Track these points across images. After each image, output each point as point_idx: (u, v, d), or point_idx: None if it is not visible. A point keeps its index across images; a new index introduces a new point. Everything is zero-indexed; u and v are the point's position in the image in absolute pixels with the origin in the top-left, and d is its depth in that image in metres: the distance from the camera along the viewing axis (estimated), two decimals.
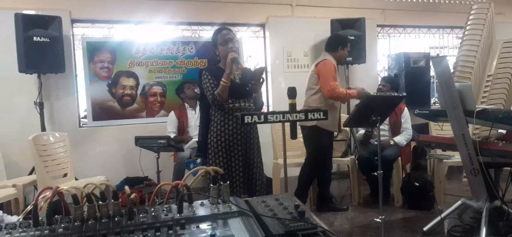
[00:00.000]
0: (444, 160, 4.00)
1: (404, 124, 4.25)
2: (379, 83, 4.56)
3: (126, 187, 1.17)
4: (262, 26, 5.73)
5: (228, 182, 1.20)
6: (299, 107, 2.81)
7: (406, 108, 4.29)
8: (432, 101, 5.91)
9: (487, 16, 5.06)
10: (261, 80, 2.76)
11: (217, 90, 2.73)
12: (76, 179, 3.97)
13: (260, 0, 5.61)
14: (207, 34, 5.35)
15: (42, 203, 1.14)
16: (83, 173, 4.17)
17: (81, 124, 4.93)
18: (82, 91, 4.88)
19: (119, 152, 4.81)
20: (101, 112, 4.86)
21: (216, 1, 5.39)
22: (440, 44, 6.79)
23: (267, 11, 5.58)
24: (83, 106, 4.95)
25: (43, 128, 4.37)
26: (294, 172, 3.98)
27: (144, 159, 4.11)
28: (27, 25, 4.13)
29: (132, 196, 1.09)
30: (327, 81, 3.67)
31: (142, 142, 3.60)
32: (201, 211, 1.04)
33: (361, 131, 4.39)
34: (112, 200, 1.08)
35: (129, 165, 4.56)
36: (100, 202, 1.05)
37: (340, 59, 3.96)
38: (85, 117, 4.95)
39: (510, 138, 3.11)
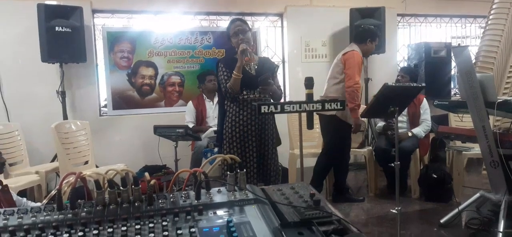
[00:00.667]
0: (463, 152, 3.94)
1: (423, 115, 4.19)
2: (398, 73, 4.50)
3: (146, 174, 1.20)
4: (280, 15, 5.70)
5: (244, 170, 1.22)
6: (316, 97, 2.81)
7: (425, 99, 4.22)
8: (452, 92, 5.80)
9: (511, 5, 4.91)
10: (268, 85, 2.75)
11: (229, 83, 2.74)
12: (97, 167, 4.07)
13: None
14: (224, 24, 5.34)
15: (66, 188, 1.18)
16: (103, 161, 4.27)
17: (101, 113, 5.03)
18: (102, 80, 4.97)
19: (138, 141, 4.90)
20: (120, 101, 4.94)
21: None
22: (462, 34, 6.63)
23: (286, 1, 5.54)
24: (104, 95, 5.04)
25: (65, 117, 4.47)
26: (310, 162, 3.98)
27: (163, 147, 4.18)
28: (49, 15, 4.21)
29: (152, 182, 1.12)
30: (354, 74, 3.63)
31: (160, 131, 3.66)
32: (218, 198, 1.07)
33: (380, 123, 4.34)
34: (132, 186, 1.11)
35: (148, 153, 4.63)
36: (121, 187, 1.09)
37: (367, 52, 3.95)
38: (105, 106, 5.05)
39: None
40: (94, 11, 4.98)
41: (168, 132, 3.60)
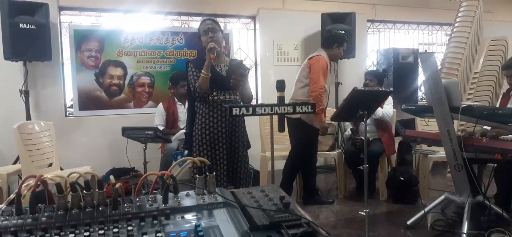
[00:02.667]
0: (429, 155, 4.06)
1: (386, 103, 4.22)
2: (365, 77, 4.56)
3: (111, 177, 1.16)
4: (253, 18, 5.71)
5: (214, 173, 1.20)
6: (287, 100, 2.82)
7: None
8: (419, 97, 5.97)
9: (475, 13, 5.10)
10: (242, 73, 2.74)
11: (198, 82, 2.71)
12: (62, 169, 3.93)
13: None
14: (197, 24, 5.27)
15: (26, 191, 1.12)
16: (68, 163, 4.12)
17: (67, 114, 4.87)
18: (68, 80, 4.81)
19: (105, 143, 4.77)
20: (87, 102, 4.80)
21: None
22: (429, 41, 6.86)
23: (258, 3, 5.56)
24: (70, 95, 4.88)
25: (29, 117, 4.31)
26: (282, 165, 4.01)
27: (131, 150, 4.08)
28: (13, 11, 4.05)
29: (117, 185, 1.08)
30: (318, 78, 3.68)
31: (129, 132, 3.57)
32: (187, 202, 1.05)
33: (348, 132, 4.41)
34: (97, 190, 1.07)
35: (116, 156, 4.52)
36: (84, 191, 1.05)
37: (335, 57, 3.99)
38: (71, 106, 4.89)
39: None
40: (61, 8, 4.83)
41: (137, 134, 3.52)
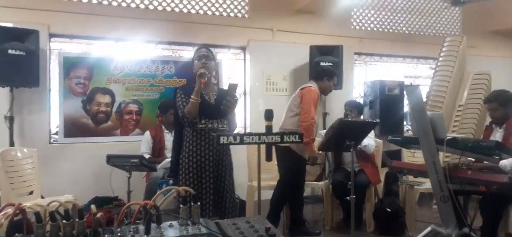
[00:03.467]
0: (416, 187, 4.08)
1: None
2: (345, 108, 4.57)
3: (93, 206, 1.14)
4: (243, 49, 5.78)
5: (198, 203, 1.19)
6: (275, 129, 2.83)
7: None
8: (405, 129, 6.04)
9: (459, 48, 5.26)
10: (235, 97, 2.77)
11: (187, 107, 2.73)
12: (43, 197, 3.84)
13: (242, 24, 5.68)
14: (188, 54, 5.35)
15: (3, 220, 1.09)
16: (50, 191, 4.02)
17: (51, 140, 4.80)
18: (55, 106, 4.76)
19: (89, 170, 4.69)
20: (73, 129, 4.74)
21: (198, 22, 5.42)
22: (414, 74, 7.00)
23: (248, 35, 5.65)
24: (56, 122, 4.82)
25: (12, 143, 4.24)
26: (269, 195, 3.97)
27: (116, 178, 4.00)
28: (4, 37, 4.06)
29: (98, 215, 1.06)
30: (309, 108, 3.72)
31: (114, 160, 3.53)
32: (170, 233, 1.03)
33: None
34: (77, 219, 1.05)
35: (100, 184, 4.43)
36: (64, 221, 1.02)
37: (325, 90, 4.05)
38: (56, 133, 4.82)
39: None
40: (52, 35, 4.83)
41: (122, 162, 3.48)
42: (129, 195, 3.49)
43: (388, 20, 6.65)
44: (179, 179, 2.80)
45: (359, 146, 4.05)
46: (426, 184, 3.97)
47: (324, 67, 4.28)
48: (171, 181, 3.04)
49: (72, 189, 4.13)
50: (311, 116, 3.71)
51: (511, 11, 6.95)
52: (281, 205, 3.99)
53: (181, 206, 1.17)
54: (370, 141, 4.17)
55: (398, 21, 6.71)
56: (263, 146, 2.65)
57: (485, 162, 3.18)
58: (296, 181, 3.91)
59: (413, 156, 4.08)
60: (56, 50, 4.88)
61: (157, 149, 4.38)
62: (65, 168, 4.65)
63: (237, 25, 5.64)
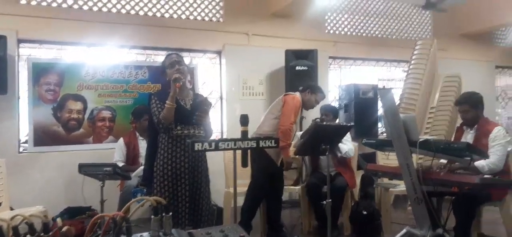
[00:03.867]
0: (390, 189, 4.13)
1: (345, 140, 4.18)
2: (321, 112, 4.55)
3: (59, 220, 1.09)
4: (219, 53, 5.75)
5: (170, 213, 1.16)
6: (251, 133, 2.82)
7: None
8: (379, 131, 6.13)
9: (430, 51, 5.38)
10: (205, 111, 2.76)
11: (162, 113, 2.69)
12: (12, 209, 3.70)
13: (217, 28, 5.65)
14: (162, 59, 5.25)
15: None
16: (20, 202, 3.88)
17: (20, 150, 4.63)
18: (24, 114, 4.60)
19: (61, 180, 4.55)
20: (43, 137, 4.59)
21: (172, 26, 5.36)
22: (388, 77, 7.13)
23: (224, 39, 5.62)
24: (25, 131, 4.65)
25: None
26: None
27: (89, 187, 3.88)
28: None
29: (64, 229, 1.02)
30: (290, 114, 3.74)
31: (86, 169, 3.42)
32: None
33: None
34: (43, 234, 1.00)
35: (71, 194, 4.31)
36: (28, 235, 0.98)
37: (307, 103, 4.04)
38: (25, 142, 4.65)
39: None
40: (20, 41, 4.67)
41: (94, 171, 3.38)
42: (102, 204, 3.39)
43: (362, 24, 6.76)
44: (154, 187, 2.74)
45: (339, 154, 4.07)
46: (400, 186, 4.03)
47: (310, 83, 4.30)
48: (146, 189, 2.98)
49: (42, 200, 4.01)
50: (290, 121, 3.72)
51: (479, 15, 7.20)
52: (254, 209, 3.92)
53: (153, 216, 1.13)
54: (349, 146, 4.20)
55: (371, 25, 6.84)
56: (239, 152, 2.63)
57: (457, 163, 3.25)
58: (268, 186, 3.86)
59: (387, 158, 4.15)
60: (25, 56, 4.72)
61: (131, 157, 4.29)
62: (35, 178, 4.50)
63: (212, 29, 5.61)
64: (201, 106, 2.76)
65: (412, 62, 5.50)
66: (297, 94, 3.99)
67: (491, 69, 7.86)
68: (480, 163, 3.20)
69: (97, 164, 3.49)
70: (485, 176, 2.93)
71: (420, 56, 5.43)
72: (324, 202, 2.97)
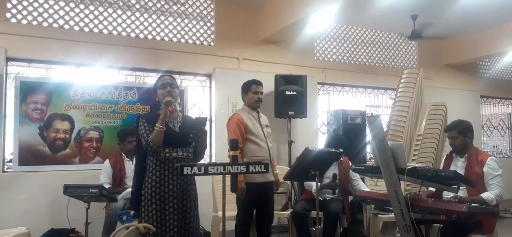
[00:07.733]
0: (379, 215, 4.14)
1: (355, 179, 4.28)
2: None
3: None
4: (209, 76, 5.77)
5: None
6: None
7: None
8: (367, 157, 6.17)
9: (416, 80, 5.48)
10: (204, 130, 2.73)
11: (151, 136, 2.65)
12: None
13: (208, 52, 5.69)
14: (152, 80, 5.26)
15: None
16: (3, 223, 3.78)
17: (5, 168, 4.53)
18: (9, 133, 4.52)
19: (45, 201, 4.44)
20: (29, 157, 4.50)
21: (163, 49, 5.38)
22: (375, 103, 7.24)
23: (214, 63, 5.66)
24: (10, 149, 4.56)
25: None
26: (234, 225, 3.89)
27: (74, 209, 3.80)
28: None
29: None
30: (230, 135, 3.54)
31: (71, 190, 3.35)
32: None
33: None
34: None
35: (56, 215, 4.20)
36: None
37: (250, 103, 3.81)
38: (10, 161, 4.56)
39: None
40: (9, 59, 4.63)
41: (80, 192, 3.31)
42: (87, 227, 3.31)
43: (350, 52, 6.90)
44: (142, 210, 2.69)
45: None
46: (389, 213, 4.03)
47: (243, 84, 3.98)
48: (132, 212, 2.92)
49: (26, 221, 3.92)
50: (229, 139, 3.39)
51: (463, 46, 7.42)
52: (242, 235, 3.75)
53: None
54: (361, 182, 4.26)
55: (359, 53, 6.98)
56: (228, 176, 2.61)
57: (444, 192, 3.27)
58: (249, 216, 3.66)
59: (376, 185, 4.16)
60: (13, 74, 4.67)
61: (118, 178, 4.21)
62: (19, 198, 4.40)
63: (203, 53, 5.65)
64: (197, 125, 2.72)
65: (400, 90, 5.59)
66: (239, 109, 3.87)
67: (476, 98, 8.05)
68: (488, 196, 3.26)
69: (83, 185, 3.43)
70: (473, 205, 2.95)
71: (407, 84, 5.53)
72: (314, 228, 2.94)
